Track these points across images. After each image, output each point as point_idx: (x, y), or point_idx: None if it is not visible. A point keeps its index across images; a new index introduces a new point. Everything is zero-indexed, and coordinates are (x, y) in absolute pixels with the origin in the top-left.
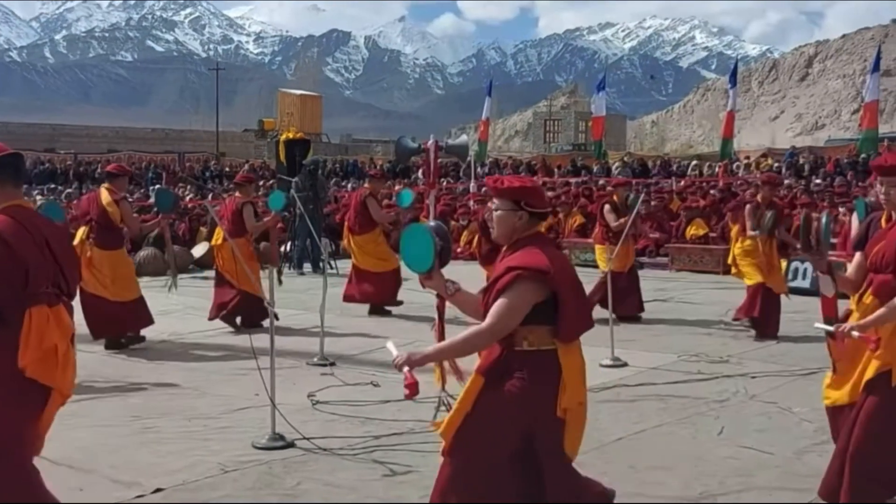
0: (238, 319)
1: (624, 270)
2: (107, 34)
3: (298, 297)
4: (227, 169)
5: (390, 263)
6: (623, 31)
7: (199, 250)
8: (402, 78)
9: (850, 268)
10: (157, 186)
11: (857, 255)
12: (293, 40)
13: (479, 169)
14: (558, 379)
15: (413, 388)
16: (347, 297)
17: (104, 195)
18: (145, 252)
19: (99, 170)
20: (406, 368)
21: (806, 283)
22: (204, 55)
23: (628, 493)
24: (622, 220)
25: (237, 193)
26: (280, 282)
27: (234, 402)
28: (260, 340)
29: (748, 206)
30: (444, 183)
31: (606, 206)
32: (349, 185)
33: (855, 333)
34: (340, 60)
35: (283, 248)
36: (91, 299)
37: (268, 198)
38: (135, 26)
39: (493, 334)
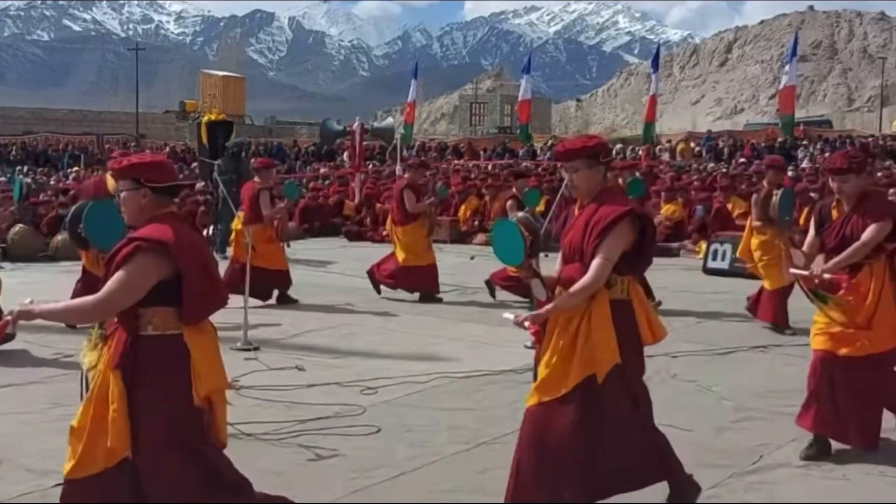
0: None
1: None
2: (21, 13)
3: None
4: (149, 151)
5: (423, 259)
6: (548, 14)
7: None
8: (327, 59)
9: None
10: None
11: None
12: (215, 20)
13: (405, 152)
14: (188, 366)
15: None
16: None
17: (110, 180)
18: (62, 236)
19: (14, 152)
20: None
21: (725, 265)
22: (123, 35)
23: None
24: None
25: (256, 179)
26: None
27: None
28: None
29: (754, 195)
30: (370, 166)
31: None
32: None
33: None
34: (264, 41)
35: (206, 232)
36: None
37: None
38: (51, 5)
39: (102, 310)
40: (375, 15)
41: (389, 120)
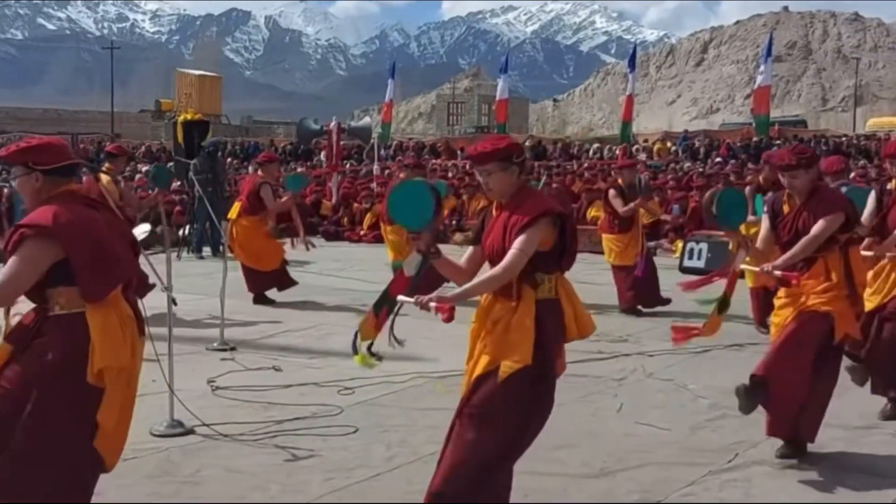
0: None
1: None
2: None
3: (198, 281)
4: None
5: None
6: (525, 14)
7: (139, 232)
8: (304, 59)
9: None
10: (155, 164)
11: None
12: (191, 19)
13: (382, 151)
14: (87, 342)
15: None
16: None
17: (103, 176)
18: None
19: None
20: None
21: (701, 263)
22: (98, 34)
23: (529, 472)
24: (630, 206)
25: (259, 172)
26: (308, 248)
27: None
28: (158, 325)
29: (748, 188)
30: (347, 165)
31: (611, 192)
32: (250, 168)
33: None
34: (240, 40)
35: (181, 232)
36: None
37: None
38: (25, 3)
39: (8, 295)
40: (352, 14)
41: (367, 119)
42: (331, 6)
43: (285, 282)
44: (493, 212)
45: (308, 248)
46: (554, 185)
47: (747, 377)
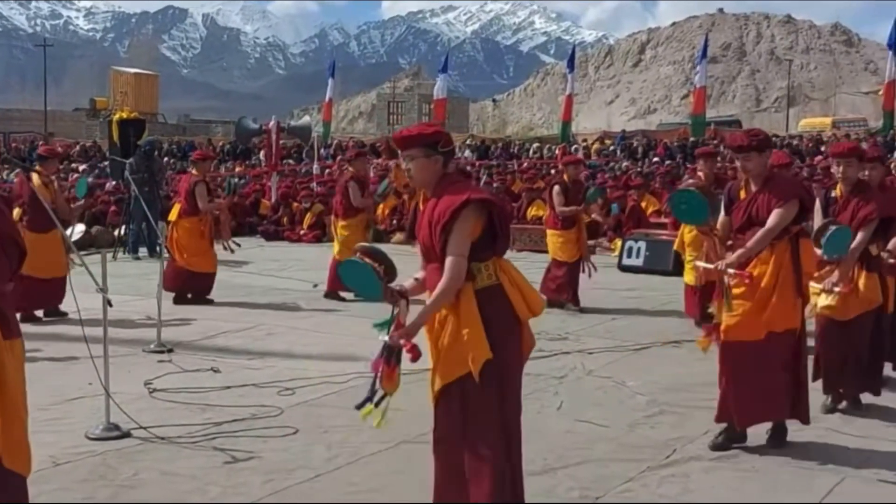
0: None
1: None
2: None
3: (134, 282)
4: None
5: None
6: (465, 14)
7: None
8: (243, 57)
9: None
10: (77, 176)
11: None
12: (126, 16)
13: (322, 151)
14: None
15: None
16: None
17: (35, 178)
18: None
19: None
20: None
21: (639, 262)
22: (30, 31)
23: None
24: (569, 209)
25: (193, 171)
26: (232, 250)
27: (65, 392)
28: (93, 327)
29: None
30: (287, 165)
31: (556, 188)
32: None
33: None
34: (177, 38)
35: (117, 232)
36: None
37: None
38: None
39: None
40: (292, 13)
41: (306, 118)
42: (269, 4)
43: (208, 289)
44: (421, 205)
45: (231, 250)
46: (495, 185)
47: (684, 374)
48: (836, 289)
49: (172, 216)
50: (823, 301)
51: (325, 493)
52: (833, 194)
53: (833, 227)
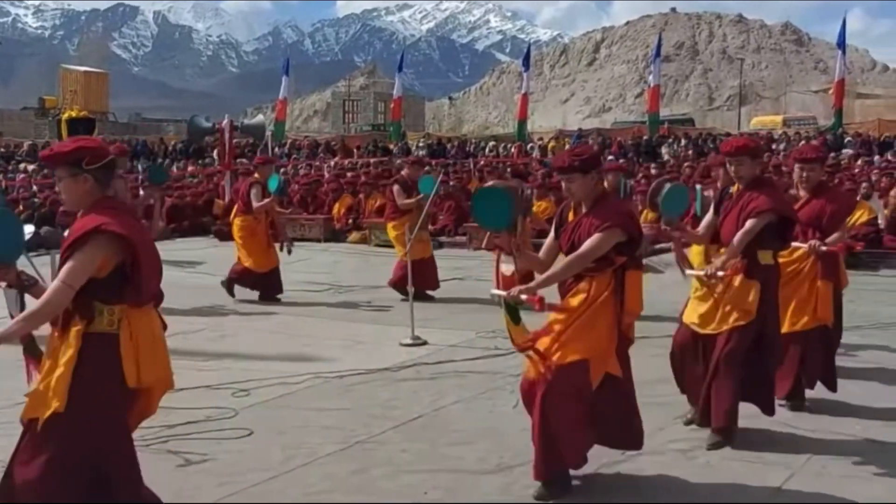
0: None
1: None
2: None
3: None
4: (3, 150)
5: (421, 253)
6: (420, 12)
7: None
8: (195, 55)
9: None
10: (150, 164)
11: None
12: (76, 14)
13: (276, 149)
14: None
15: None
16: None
17: None
18: None
19: None
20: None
21: None
22: None
23: (428, 470)
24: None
25: (256, 175)
26: (290, 251)
27: (13, 396)
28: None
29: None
30: (241, 164)
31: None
32: (139, 166)
33: None
34: (128, 36)
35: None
36: None
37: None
38: None
39: None
40: (244, 10)
41: (260, 117)
42: (221, 3)
43: (274, 287)
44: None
45: (288, 251)
46: (451, 183)
47: (636, 370)
48: (720, 273)
49: (230, 215)
50: (691, 315)
51: (281, 494)
52: (731, 189)
53: (668, 185)
